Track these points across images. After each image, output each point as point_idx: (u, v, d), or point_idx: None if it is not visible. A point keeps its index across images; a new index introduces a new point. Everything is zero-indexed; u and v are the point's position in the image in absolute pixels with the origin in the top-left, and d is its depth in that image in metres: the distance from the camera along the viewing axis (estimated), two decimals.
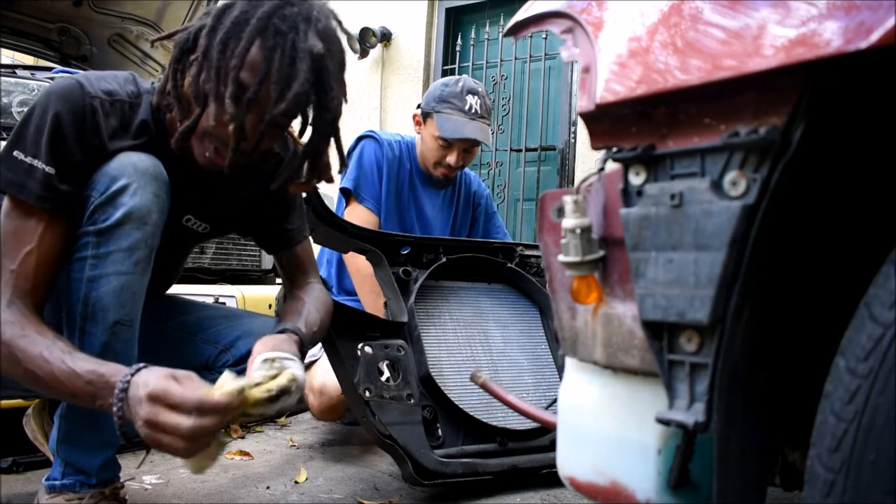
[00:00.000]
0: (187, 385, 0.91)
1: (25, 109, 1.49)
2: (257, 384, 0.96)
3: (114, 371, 0.95)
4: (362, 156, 2.03)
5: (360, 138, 2.07)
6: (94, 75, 1.13)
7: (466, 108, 2.00)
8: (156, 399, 0.89)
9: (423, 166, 2.12)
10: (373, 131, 2.10)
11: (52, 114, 1.04)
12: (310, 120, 1.12)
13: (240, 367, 1.21)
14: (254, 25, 1.02)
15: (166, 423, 0.88)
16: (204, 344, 1.28)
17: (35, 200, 1.03)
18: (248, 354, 1.17)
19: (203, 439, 0.91)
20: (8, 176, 1.03)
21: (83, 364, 0.96)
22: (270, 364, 1.00)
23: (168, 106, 1.12)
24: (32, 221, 1.04)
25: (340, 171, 1.20)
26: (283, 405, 0.98)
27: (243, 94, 1.01)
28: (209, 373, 1.26)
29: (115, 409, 0.92)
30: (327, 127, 1.11)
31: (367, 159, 2.02)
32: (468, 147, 2.06)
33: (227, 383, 0.94)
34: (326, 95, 1.07)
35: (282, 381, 0.97)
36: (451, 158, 2.04)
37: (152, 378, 0.91)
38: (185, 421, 0.88)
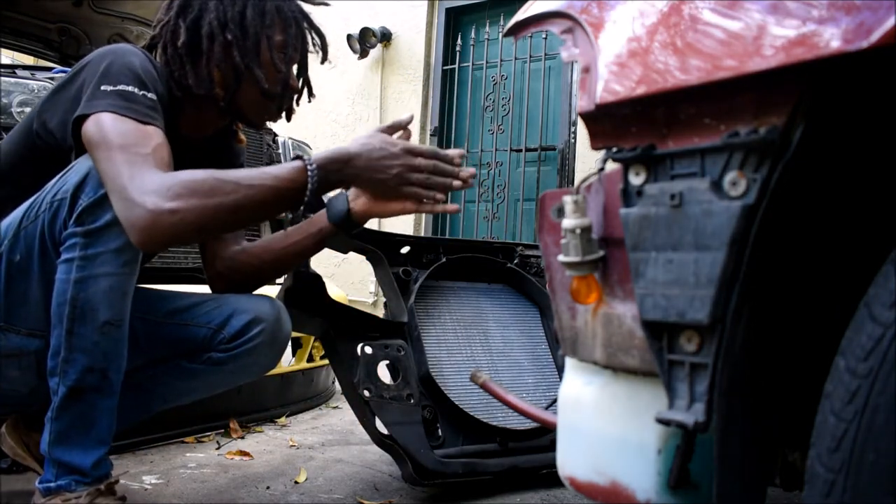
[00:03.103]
0: None
1: (26, 109, 1.49)
2: None
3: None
4: None
5: None
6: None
7: None
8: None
9: None
10: None
11: (129, 59, 1.11)
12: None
13: (236, 342, 1.24)
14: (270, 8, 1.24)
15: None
16: (196, 328, 1.27)
17: (145, 118, 1.07)
18: (243, 330, 1.23)
19: None
20: (114, 101, 1.06)
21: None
22: None
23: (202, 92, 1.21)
24: (150, 128, 1.07)
25: (309, 101, 1.41)
26: None
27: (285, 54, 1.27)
28: (207, 352, 1.26)
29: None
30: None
31: None
32: None
33: None
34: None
35: None
36: None
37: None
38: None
